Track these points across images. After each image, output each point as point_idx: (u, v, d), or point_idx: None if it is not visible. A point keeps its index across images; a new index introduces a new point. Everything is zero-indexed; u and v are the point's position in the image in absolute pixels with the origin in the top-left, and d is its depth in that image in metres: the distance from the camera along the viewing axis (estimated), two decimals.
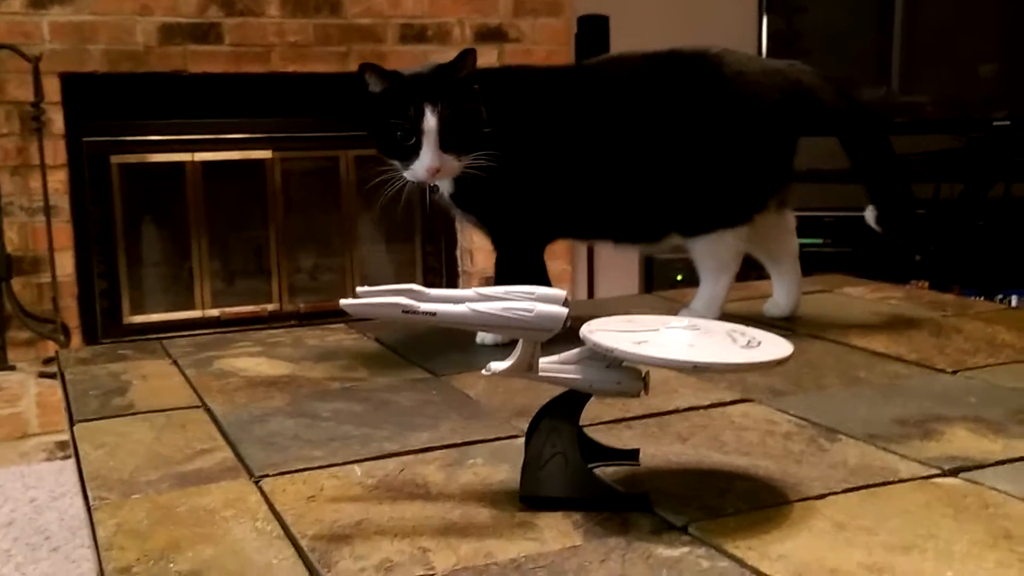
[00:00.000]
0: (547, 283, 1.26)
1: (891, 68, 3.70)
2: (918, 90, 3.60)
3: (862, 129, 1.34)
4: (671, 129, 1.29)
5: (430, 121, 1.18)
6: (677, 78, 1.31)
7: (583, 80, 1.35)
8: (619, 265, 3.71)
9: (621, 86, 1.32)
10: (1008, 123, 3.26)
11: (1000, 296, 3.13)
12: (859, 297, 1.56)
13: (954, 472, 0.84)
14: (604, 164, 1.30)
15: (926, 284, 3.31)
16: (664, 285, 3.48)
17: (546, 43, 3.22)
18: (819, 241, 3.37)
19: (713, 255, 1.34)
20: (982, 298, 2.91)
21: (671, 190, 1.30)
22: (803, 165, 4.04)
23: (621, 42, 3.32)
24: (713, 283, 1.35)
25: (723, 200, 1.31)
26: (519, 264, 1.33)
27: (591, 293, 3.42)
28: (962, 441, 0.91)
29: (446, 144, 1.20)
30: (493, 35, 3.18)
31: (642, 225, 1.36)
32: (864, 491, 0.80)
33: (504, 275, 1.32)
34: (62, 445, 2.61)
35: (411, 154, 1.20)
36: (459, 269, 3.29)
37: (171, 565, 0.71)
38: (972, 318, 1.42)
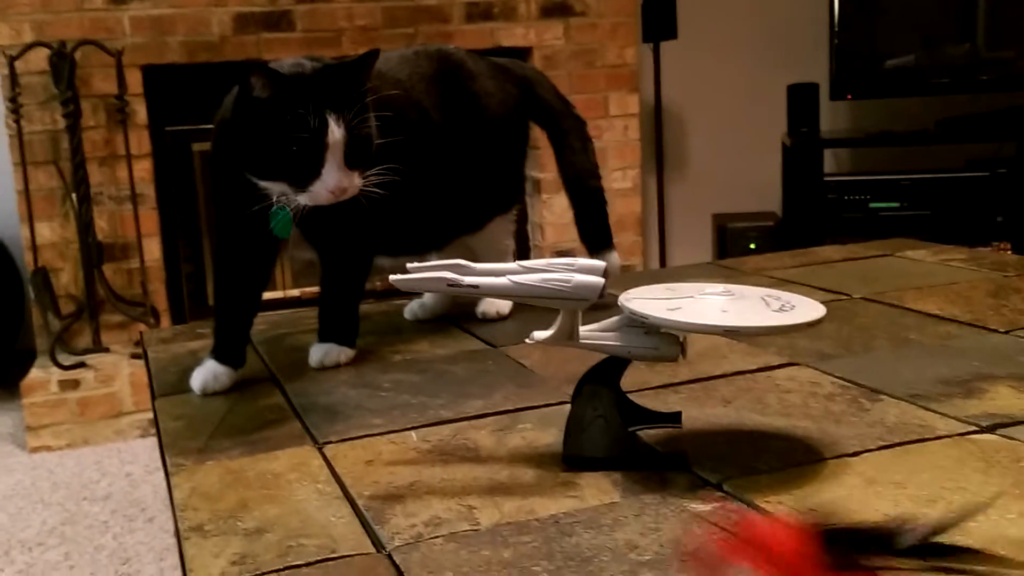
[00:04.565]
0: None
1: (976, 24, 3.61)
2: (1005, 46, 3.51)
3: (571, 129, 1.39)
4: (449, 129, 1.27)
5: (335, 133, 1.02)
6: (438, 81, 1.28)
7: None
8: (691, 236, 3.71)
9: (406, 92, 1.24)
10: None
11: None
12: (919, 260, 1.56)
13: (991, 428, 0.86)
14: (409, 176, 1.17)
15: (1008, 246, 3.24)
16: (738, 253, 3.48)
17: (612, 15, 3.22)
18: (896, 205, 3.31)
19: (492, 243, 1.37)
20: None
21: (458, 194, 1.30)
22: (876, 128, 3.92)
23: (687, 13, 3.31)
24: None
25: (496, 190, 1.35)
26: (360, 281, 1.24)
27: (663, 263, 3.43)
28: (1004, 399, 0.93)
29: (351, 160, 1.03)
30: (559, 10, 3.19)
31: (435, 231, 1.32)
32: (899, 448, 0.83)
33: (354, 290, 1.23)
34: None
35: (309, 174, 1.03)
36: (530, 243, 3.33)
37: (239, 523, 0.77)
38: None
